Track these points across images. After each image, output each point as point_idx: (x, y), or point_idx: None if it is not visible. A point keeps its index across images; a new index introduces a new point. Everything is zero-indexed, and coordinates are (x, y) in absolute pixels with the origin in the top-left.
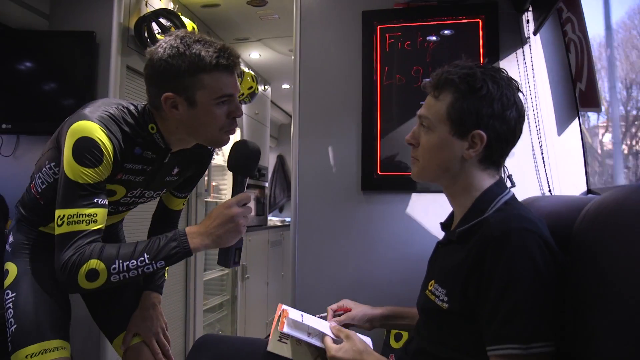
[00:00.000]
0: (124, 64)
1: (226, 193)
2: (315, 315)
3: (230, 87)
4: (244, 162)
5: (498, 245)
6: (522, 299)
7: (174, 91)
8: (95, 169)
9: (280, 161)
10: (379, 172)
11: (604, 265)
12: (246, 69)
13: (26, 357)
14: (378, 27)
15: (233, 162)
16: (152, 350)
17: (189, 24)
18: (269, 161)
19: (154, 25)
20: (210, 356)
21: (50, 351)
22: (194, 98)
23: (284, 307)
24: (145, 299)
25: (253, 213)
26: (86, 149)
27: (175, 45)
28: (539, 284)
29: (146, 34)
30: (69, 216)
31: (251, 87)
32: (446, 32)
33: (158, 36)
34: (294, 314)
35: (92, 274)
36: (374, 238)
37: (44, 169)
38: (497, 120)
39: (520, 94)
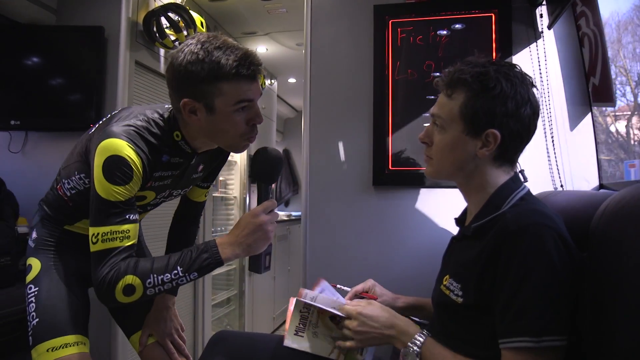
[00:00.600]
0: (132, 59)
1: (233, 188)
2: (337, 285)
3: (250, 92)
4: (267, 170)
5: (514, 239)
6: (535, 293)
7: (192, 97)
8: (126, 185)
9: (286, 155)
10: (390, 167)
11: (627, 262)
12: None
13: (47, 350)
14: (390, 22)
15: (256, 171)
16: (166, 350)
17: (197, 18)
18: None
19: (163, 20)
20: (226, 352)
21: (70, 346)
22: (212, 105)
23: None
24: (159, 301)
25: None
26: (116, 167)
27: (195, 51)
28: (553, 279)
29: (155, 29)
30: (103, 234)
31: None
32: (458, 26)
33: (167, 31)
34: (312, 294)
35: (129, 289)
36: (386, 233)
37: (74, 177)
38: (512, 119)
39: (534, 89)
